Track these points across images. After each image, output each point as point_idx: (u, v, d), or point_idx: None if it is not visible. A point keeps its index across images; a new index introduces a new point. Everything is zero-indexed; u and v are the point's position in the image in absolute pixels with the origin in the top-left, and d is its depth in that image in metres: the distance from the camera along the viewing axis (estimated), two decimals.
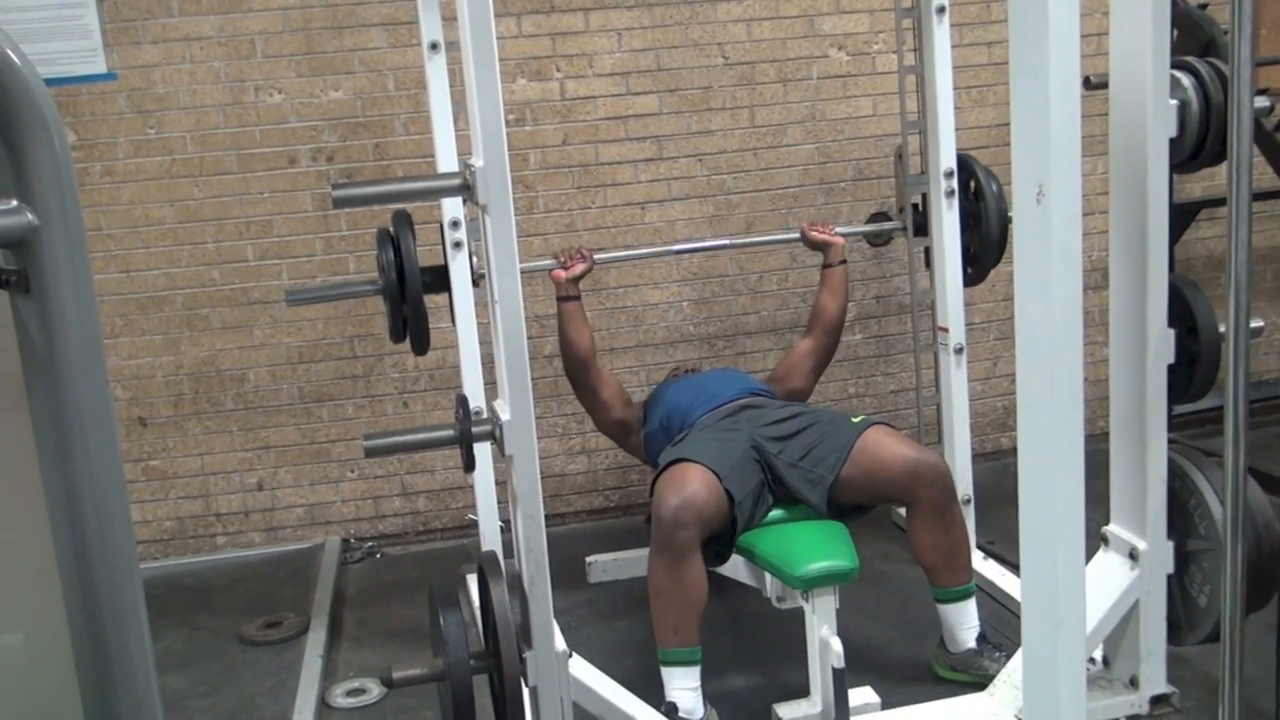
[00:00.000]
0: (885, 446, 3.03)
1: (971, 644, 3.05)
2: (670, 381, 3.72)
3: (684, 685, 2.87)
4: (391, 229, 3.23)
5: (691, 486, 2.87)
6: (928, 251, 3.79)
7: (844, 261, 3.74)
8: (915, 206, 3.82)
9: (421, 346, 3.25)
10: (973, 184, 3.70)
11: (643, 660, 3.03)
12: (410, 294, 3.16)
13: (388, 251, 3.19)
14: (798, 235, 3.84)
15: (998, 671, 2.94)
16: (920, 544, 3.05)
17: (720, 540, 2.99)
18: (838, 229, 3.83)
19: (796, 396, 3.63)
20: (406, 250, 3.16)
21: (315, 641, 3.53)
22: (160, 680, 1.28)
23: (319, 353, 4.28)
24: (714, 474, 2.92)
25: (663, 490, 2.90)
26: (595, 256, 3.68)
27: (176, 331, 4.20)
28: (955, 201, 3.60)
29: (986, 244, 3.69)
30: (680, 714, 2.84)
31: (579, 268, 3.59)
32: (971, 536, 3.54)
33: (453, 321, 3.44)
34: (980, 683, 2.95)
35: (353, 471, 4.39)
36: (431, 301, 4.03)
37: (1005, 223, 3.64)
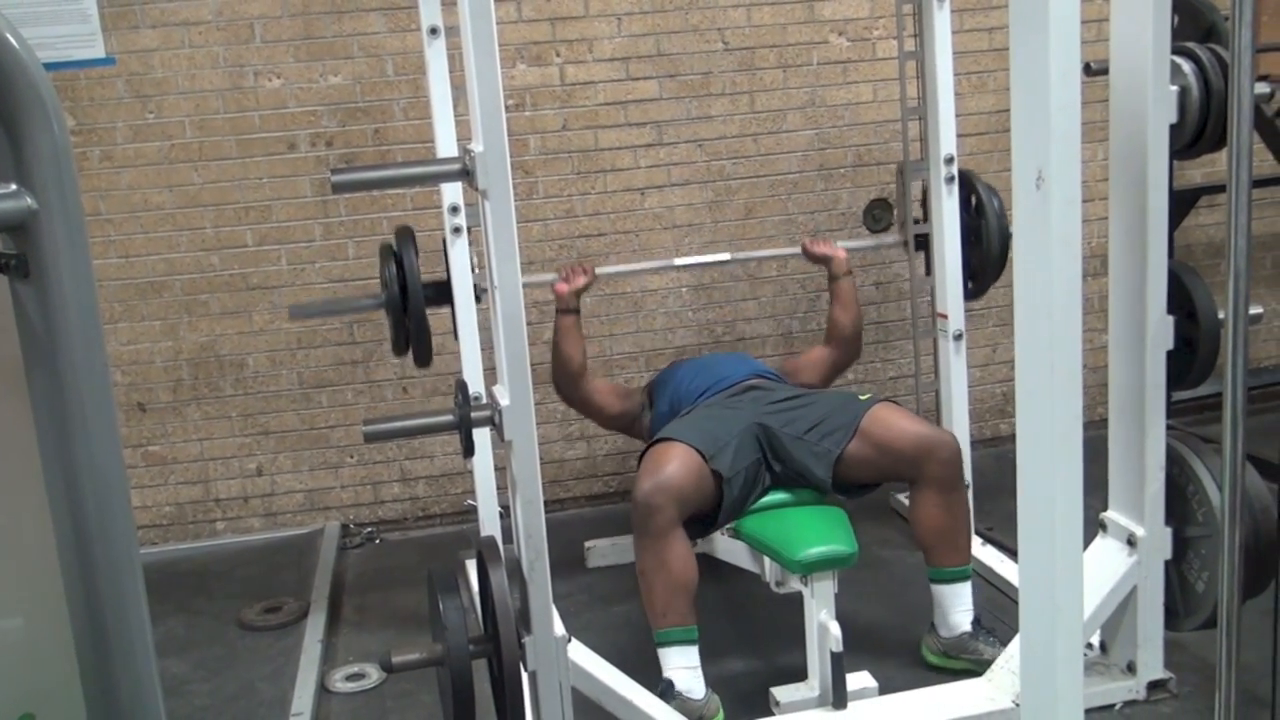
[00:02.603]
0: (895, 422, 3.03)
1: (966, 627, 3.04)
2: (678, 363, 3.73)
3: (680, 664, 2.87)
4: (394, 244, 3.24)
5: (668, 468, 2.88)
6: (927, 249, 3.79)
7: (849, 273, 3.73)
8: (917, 222, 3.82)
9: (424, 360, 3.28)
10: (973, 199, 3.70)
11: (641, 644, 3.04)
12: (413, 308, 3.18)
13: (390, 266, 3.21)
14: (799, 250, 3.85)
15: (992, 656, 2.95)
16: (922, 522, 3.05)
17: (706, 517, 3.00)
18: (840, 243, 3.82)
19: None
20: (409, 265, 3.18)
21: (314, 626, 3.54)
22: (160, 665, 1.28)
23: (318, 338, 4.28)
24: (698, 452, 2.93)
25: (640, 473, 2.93)
26: (597, 270, 3.70)
27: (175, 317, 4.20)
28: (955, 188, 3.60)
29: (987, 260, 3.68)
30: (677, 690, 2.83)
31: (581, 281, 3.60)
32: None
33: (452, 314, 3.42)
34: (973, 669, 2.96)
35: (352, 457, 4.39)
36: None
37: (1006, 239, 3.63)
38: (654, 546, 2.85)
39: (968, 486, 3.59)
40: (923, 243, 3.80)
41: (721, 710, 2.89)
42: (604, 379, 3.83)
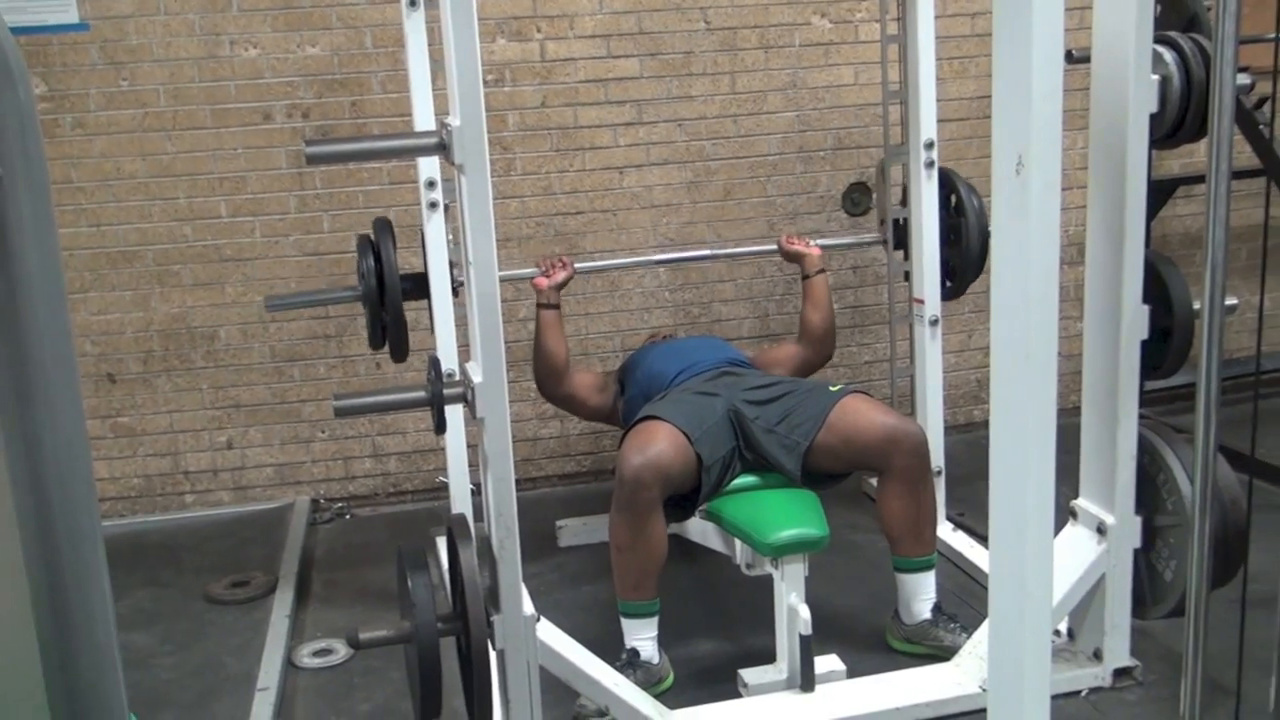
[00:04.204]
0: (863, 413, 3.04)
1: (926, 615, 3.07)
2: (649, 347, 3.72)
3: (644, 635, 2.98)
4: (372, 236, 3.22)
5: (657, 445, 2.89)
6: (905, 246, 3.79)
7: (822, 271, 3.73)
8: (896, 222, 3.81)
9: (401, 354, 3.26)
10: (953, 198, 3.69)
11: (610, 624, 3.04)
12: (390, 302, 3.16)
13: (368, 258, 3.18)
14: (775, 247, 3.85)
15: (952, 642, 2.98)
16: (889, 512, 3.06)
17: (683, 500, 3.01)
18: (816, 240, 3.81)
19: None
20: (387, 258, 3.16)
21: (282, 601, 3.52)
22: (126, 638, 1.27)
23: (291, 312, 4.24)
24: (684, 434, 2.94)
25: (627, 448, 2.92)
26: (576, 265, 3.71)
27: (147, 287, 4.16)
28: (934, 173, 3.59)
29: (966, 259, 3.68)
30: (641, 659, 2.94)
31: (560, 275, 3.61)
32: (941, 508, 3.56)
33: (428, 294, 3.39)
34: (935, 654, 2.99)
35: (323, 432, 4.36)
36: (407, 262, 4.00)
37: (985, 238, 3.63)
38: (635, 523, 2.87)
39: (939, 472, 3.61)
40: (901, 240, 3.80)
41: (672, 673, 3.01)
42: (585, 371, 3.81)
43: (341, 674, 3.17)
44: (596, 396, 3.71)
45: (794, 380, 3.33)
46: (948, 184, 3.68)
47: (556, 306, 3.61)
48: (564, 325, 3.66)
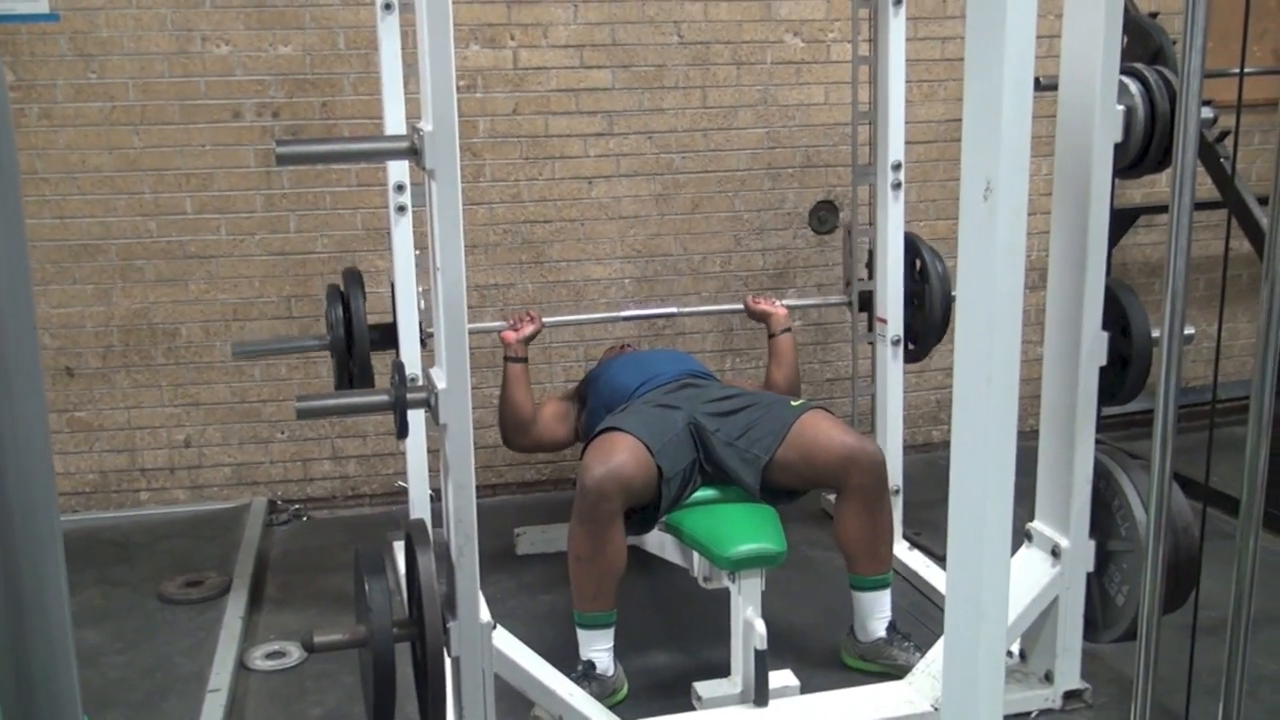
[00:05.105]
0: (823, 431, 3.05)
1: (881, 633, 3.09)
2: (610, 359, 3.72)
3: (600, 646, 2.98)
4: (342, 286, 3.22)
5: (619, 457, 2.89)
6: (870, 306, 3.82)
7: (788, 330, 3.74)
8: (861, 280, 3.85)
9: None
10: (918, 263, 3.73)
11: (566, 633, 3.04)
12: (358, 352, 3.16)
13: (337, 308, 3.18)
14: (741, 306, 3.87)
15: (906, 661, 3.00)
16: (845, 530, 3.07)
17: (644, 513, 3.01)
18: (783, 301, 3.83)
19: None
20: (356, 309, 3.16)
21: (236, 602, 3.49)
22: (76, 635, 1.26)
23: (254, 311, 4.22)
24: (645, 446, 2.94)
25: (589, 459, 2.92)
26: (544, 320, 3.71)
27: (109, 282, 4.12)
28: (901, 194, 3.62)
29: (929, 323, 3.70)
30: (597, 671, 2.94)
31: (528, 329, 3.61)
32: (898, 527, 3.58)
33: (392, 288, 3.40)
34: (889, 672, 3.02)
35: (283, 432, 4.34)
36: (373, 265, 3.99)
37: (948, 303, 3.66)
38: (595, 533, 2.88)
39: (897, 491, 3.63)
40: (866, 303, 3.84)
41: (627, 684, 3.01)
42: (545, 403, 3.77)
43: (294, 677, 3.15)
44: (562, 429, 3.69)
45: (755, 394, 3.34)
46: (912, 249, 3.71)
47: (524, 360, 3.60)
48: (529, 379, 3.64)
